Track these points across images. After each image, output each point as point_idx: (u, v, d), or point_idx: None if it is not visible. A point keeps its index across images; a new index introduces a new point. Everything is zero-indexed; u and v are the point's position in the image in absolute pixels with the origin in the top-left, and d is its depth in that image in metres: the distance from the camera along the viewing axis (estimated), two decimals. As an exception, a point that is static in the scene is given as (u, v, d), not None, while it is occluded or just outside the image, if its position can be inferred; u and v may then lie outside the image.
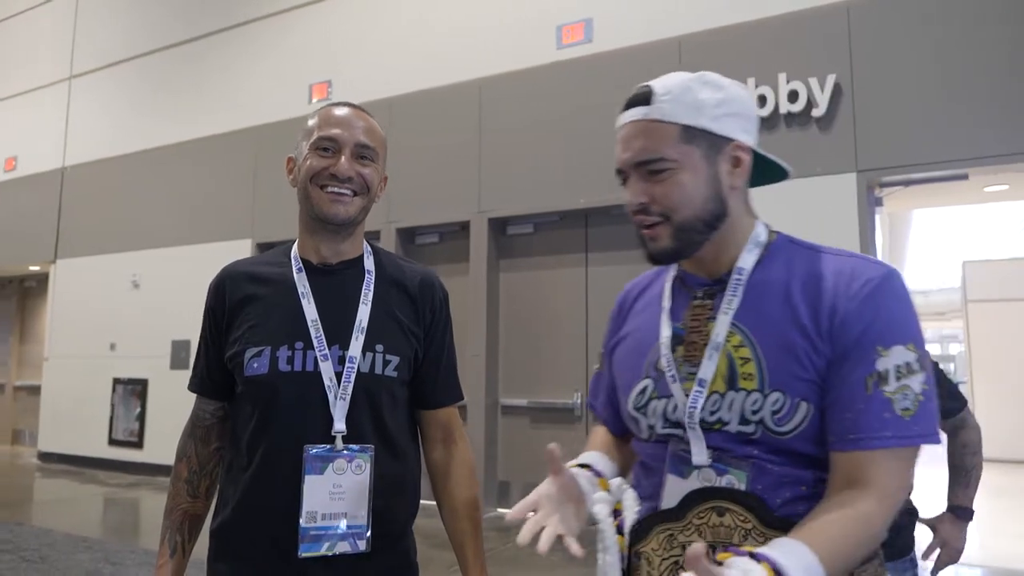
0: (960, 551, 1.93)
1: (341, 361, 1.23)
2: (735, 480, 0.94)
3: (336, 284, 1.29)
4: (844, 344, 0.92)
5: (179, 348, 7.26)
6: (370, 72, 6.60)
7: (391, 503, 1.24)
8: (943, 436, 1.99)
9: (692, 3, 5.23)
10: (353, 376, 1.22)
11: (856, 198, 4.56)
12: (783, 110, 4.78)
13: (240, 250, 7.10)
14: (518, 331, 5.85)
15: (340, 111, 1.30)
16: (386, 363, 1.26)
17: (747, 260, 1.02)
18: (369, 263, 1.33)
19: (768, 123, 4.85)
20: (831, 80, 4.64)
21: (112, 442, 7.93)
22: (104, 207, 8.38)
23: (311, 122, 1.31)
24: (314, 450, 1.18)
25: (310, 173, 1.26)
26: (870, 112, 4.57)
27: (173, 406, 7.32)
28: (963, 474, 1.95)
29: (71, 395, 8.35)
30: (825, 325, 0.94)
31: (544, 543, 0.92)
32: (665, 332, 1.05)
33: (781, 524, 0.90)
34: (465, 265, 5.91)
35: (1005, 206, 7.90)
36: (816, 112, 4.67)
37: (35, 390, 9.30)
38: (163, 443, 7.34)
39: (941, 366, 1.94)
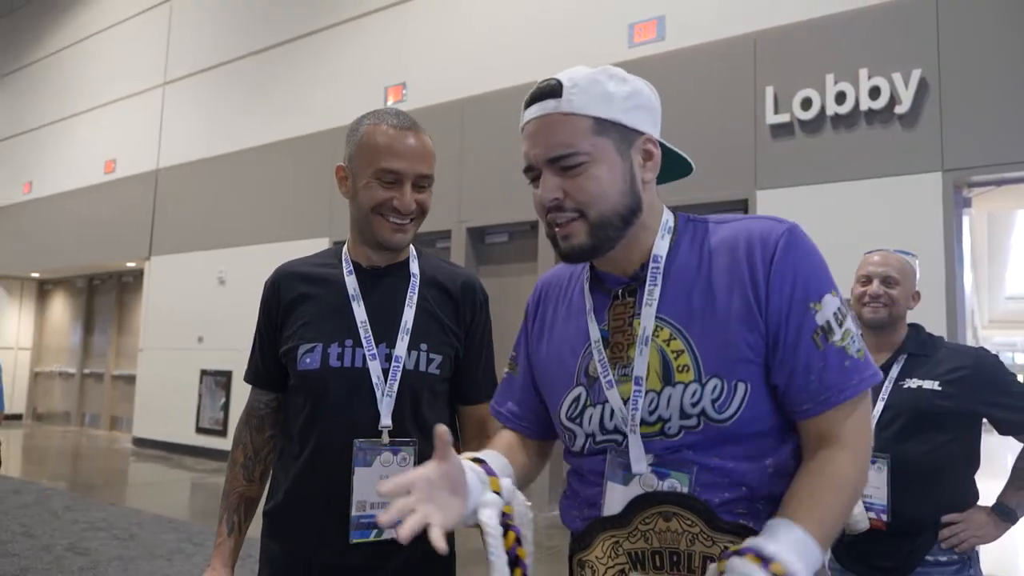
0: (986, 542, 1.83)
1: (388, 359, 1.29)
2: (677, 483, 0.91)
3: (383, 287, 1.35)
4: (778, 311, 0.92)
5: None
6: (443, 74, 6.72)
7: None
8: (1016, 442, 1.90)
9: (767, -2, 5.10)
10: (399, 374, 1.28)
11: (941, 198, 4.35)
12: (863, 107, 4.60)
13: (319, 248, 7.34)
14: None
15: (406, 141, 1.29)
16: (429, 361, 1.31)
17: (661, 247, 0.99)
18: (414, 267, 1.39)
19: (848, 121, 4.68)
20: (916, 75, 4.44)
21: (199, 430, 8.37)
22: (194, 207, 8.86)
23: (369, 139, 1.30)
24: (363, 444, 1.25)
25: (373, 202, 1.29)
26: (957, 108, 4.35)
27: (254, 397, 7.68)
28: (1022, 477, 1.88)
29: (162, 385, 8.86)
30: (752, 299, 0.92)
31: (406, 530, 0.83)
32: (595, 335, 1.00)
33: (729, 527, 0.88)
34: (533, 264, 5.95)
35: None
36: (900, 109, 4.47)
37: (131, 379, 9.92)
38: (245, 432, 7.69)
39: None
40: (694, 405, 0.91)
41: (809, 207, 4.67)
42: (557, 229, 0.98)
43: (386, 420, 1.26)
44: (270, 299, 1.39)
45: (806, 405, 0.91)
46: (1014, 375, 1.87)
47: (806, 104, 4.79)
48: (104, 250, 10.11)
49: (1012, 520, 1.86)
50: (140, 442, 9.09)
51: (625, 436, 0.95)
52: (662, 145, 1.02)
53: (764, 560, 0.79)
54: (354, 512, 1.22)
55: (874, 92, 4.57)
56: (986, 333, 21.87)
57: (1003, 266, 14.93)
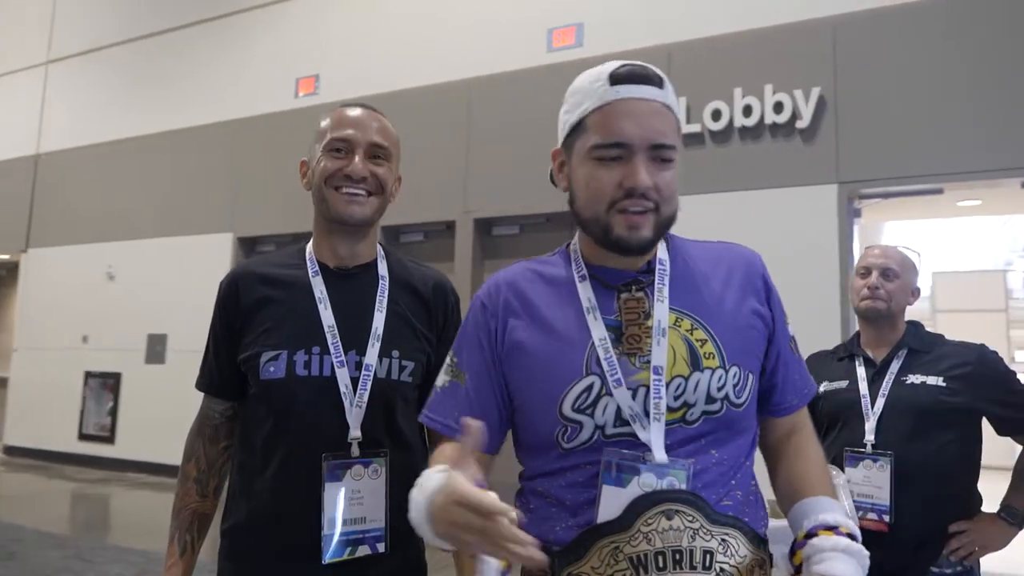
0: (995, 550, 1.79)
1: (358, 367, 1.23)
2: (676, 480, 0.93)
3: (351, 289, 1.29)
4: (774, 319, 1.07)
5: (155, 342, 7.16)
6: (358, 68, 6.56)
7: (406, 502, 1.24)
8: (1015, 445, 1.88)
9: (683, 12, 5.29)
10: (369, 383, 1.23)
11: (836, 209, 4.66)
12: (768, 120, 4.86)
13: (220, 244, 7.03)
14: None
15: (352, 112, 1.30)
16: (402, 368, 1.27)
17: (663, 251, 1.05)
18: (383, 268, 1.34)
19: (753, 133, 4.93)
20: (815, 93, 4.73)
21: (83, 436, 7.78)
22: (80, 196, 8.23)
23: (323, 124, 1.31)
24: (332, 459, 1.19)
25: (324, 175, 1.26)
26: (851, 125, 4.67)
27: (147, 401, 7.25)
28: None
29: (40, 388, 8.18)
30: (763, 306, 1.06)
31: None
32: (599, 333, 0.98)
33: (725, 520, 0.92)
34: (450, 265, 5.90)
35: (975, 220, 8.10)
36: (800, 124, 4.76)
37: (2, 382, 9.11)
38: (136, 438, 7.24)
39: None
40: (720, 389, 0.97)
41: (717, 213, 4.87)
42: (627, 217, 0.96)
43: (355, 432, 1.20)
44: (227, 301, 1.29)
45: (795, 400, 1.09)
46: (1015, 373, 1.84)
47: (716, 115, 5.01)
48: (-27, 241, 9.25)
49: (1021, 524, 1.80)
50: (12, 451, 8.35)
51: (649, 423, 0.95)
52: None
53: (833, 529, 0.92)
54: (326, 530, 1.16)
55: (778, 107, 4.83)
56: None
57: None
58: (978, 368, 1.79)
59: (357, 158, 1.25)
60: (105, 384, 7.69)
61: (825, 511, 0.95)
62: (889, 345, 1.91)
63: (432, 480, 0.86)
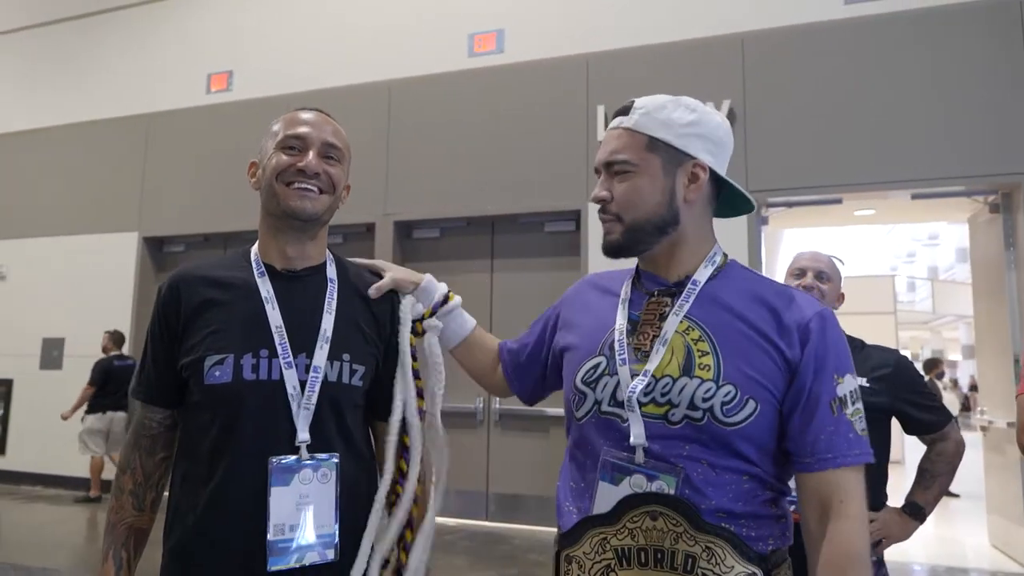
0: (899, 540, 1.91)
1: (307, 370, 1.21)
2: (665, 486, 1.00)
3: (300, 291, 1.28)
4: (809, 367, 1.03)
5: (51, 346, 6.74)
6: (275, 66, 6.40)
7: (357, 509, 1.24)
8: (921, 444, 2.02)
9: (599, 24, 5.44)
10: (318, 386, 1.21)
11: (745, 217, 4.89)
12: (682, 131, 5.05)
13: (125, 243, 6.70)
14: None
15: (307, 114, 1.31)
16: (352, 372, 1.26)
17: (702, 274, 1.12)
18: (331, 271, 1.33)
19: (668, 142, 5.11)
20: (726, 105, 4.97)
21: (-32, 448, 7.24)
22: (-33, 191, 7.66)
23: (275, 126, 1.30)
24: (278, 461, 1.17)
25: (277, 170, 1.24)
26: (759, 137, 4.93)
27: (41, 408, 6.82)
28: (928, 477, 1.96)
29: (-82, 396, 7.55)
30: (797, 345, 1.04)
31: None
32: (620, 321, 1.13)
33: (711, 529, 0.97)
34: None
35: (867, 228, 8.66)
36: (712, 134, 4.97)
37: None
38: (29, 448, 6.79)
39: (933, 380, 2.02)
40: (705, 400, 1.01)
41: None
42: (603, 225, 1.15)
43: (303, 435, 1.18)
44: (167, 305, 1.25)
45: (807, 459, 1.02)
46: (924, 378, 1.98)
47: (633, 124, 5.17)
48: None
49: (922, 519, 1.92)
50: None
51: (630, 409, 1.05)
52: (728, 182, 1.16)
53: None
54: (271, 536, 1.14)
55: (692, 118, 5.03)
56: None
57: (773, 276, 17.20)
58: (896, 371, 1.91)
59: (311, 154, 1.25)
60: (-6, 392, 7.18)
61: None
62: None
63: None
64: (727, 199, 1.19)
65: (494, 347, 1.45)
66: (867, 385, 1.87)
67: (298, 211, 1.24)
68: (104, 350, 6.41)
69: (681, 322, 1.08)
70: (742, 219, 4.86)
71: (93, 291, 6.68)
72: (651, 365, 1.05)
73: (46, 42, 7.58)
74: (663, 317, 1.10)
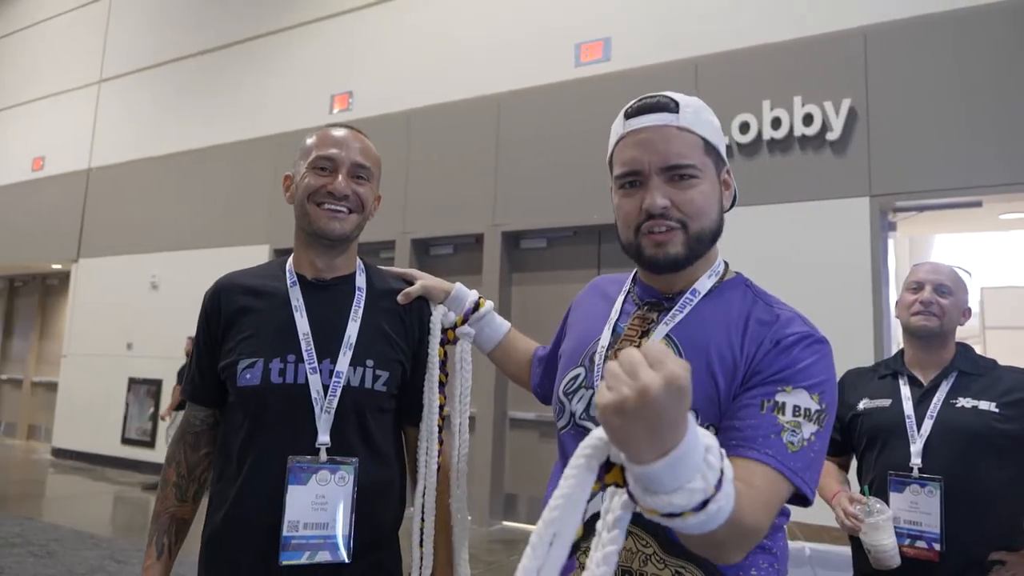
0: None
1: (331, 375, 1.26)
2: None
3: (328, 299, 1.33)
4: (755, 377, 0.94)
5: (193, 350, 7.35)
6: (390, 84, 6.69)
7: (376, 512, 1.27)
8: None
9: (709, 25, 5.26)
10: (339, 390, 1.25)
11: (869, 222, 4.55)
12: (798, 133, 4.78)
13: (258, 255, 7.20)
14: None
15: (337, 132, 1.35)
16: (376, 377, 1.29)
17: (704, 284, 1.05)
18: (361, 280, 1.38)
19: (782, 145, 4.85)
20: (846, 104, 4.64)
21: (125, 441, 8.04)
22: (127, 209, 8.55)
23: (308, 142, 1.36)
24: (297, 461, 1.22)
25: (308, 191, 1.31)
26: (884, 137, 4.56)
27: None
28: None
29: (87, 393, 8.49)
30: (746, 358, 0.95)
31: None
32: (607, 331, 1.08)
33: (681, 552, 0.90)
34: (478, 278, 5.95)
35: (1022, 234, 7.81)
36: (831, 136, 4.67)
37: (52, 387, 9.46)
38: (174, 443, 7.43)
39: None
40: None
41: (745, 227, 4.80)
42: (652, 236, 1.01)
43: (324, 437, 1.23)
44: (210, 311, 1.35)
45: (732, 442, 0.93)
46: None
47: (744, 128, 4.95)
48: (28, 250, 9.65)
49: None
50: (60, 452, 8.68)
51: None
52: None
53: None
54: (285, 532, 1.18)
55: (807, 119, 4.75)
56: (894, 348, 22.81)
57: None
58: None
59: (340, 176, 1.30)
60: (147, 390, 7.93)
61: None
62: (937, 366, 1.83)
63: None
64: None
65: (530, 350, 1.45)
66: (996, 411, 1.69)
67: (328, 231, 1.30)
68: (187, 354, 7.02)
69: (663, 339, 1.01)
70: (864, 225, 4.53)
71: (230, 299, 7.23)
72: None
73: (188, 73, 8.35)
74: (646, 334, 1.04)
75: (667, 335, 1.02)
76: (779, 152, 4.89)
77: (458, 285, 1.44)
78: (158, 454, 7.67)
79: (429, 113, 6.37)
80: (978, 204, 4.59)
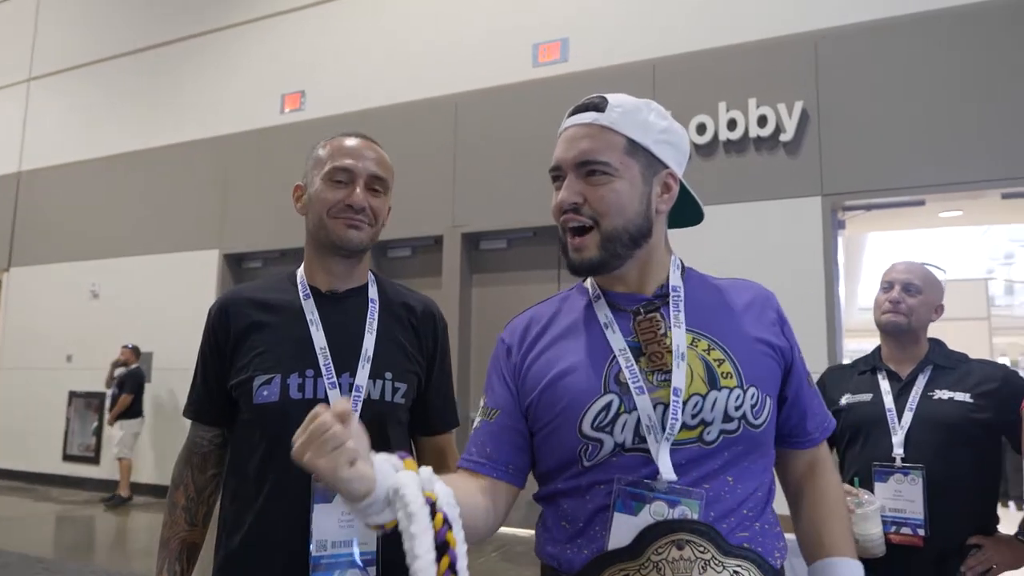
0: (1010, 568, 1.79)
1: (351, 389, 1.23)
2: (688, 511, 0.92)
3: (342, 312, 1.30)
4: (794, 350, 1.08)
5: (140, 361, 7.07)
6: (344, 84, 6.57)
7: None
8: None
9: (666, 27, 5.35)
10: (360, 404, 1.22)
11: (821, 221, 4.70)
12: (752, 134, 4.91)
13: (207, 260, 6.99)
14: (490, 346, 5.85)
15: (352, 141, 1.32)
16: (395, 390, 1.27)
17: (677, 279, 1.06)
18: (373, 292, 1.35)
19: (737, 146, 4.97)
20: (799, 106, 4.79)
21: (67, 457, 7.70)
22: (64, 214, 8.17)
23: (322, 152, 1.32)
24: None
25: (326, 205, 1.27)
26: (834, 138, 4.72)
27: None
28: None
29: (23, 408, 8.08)
30: (781, 335, 1.07)
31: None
32: (618, 344, 1.00)
33: (738, 552, 0.91)
34: (438, 279, 5.91)
35: (957, 230, 8.19)
36: (784, 137, 4.81)
37: (-16, 402, 8.98)
38: (122, 457, 7.15)
39: None
40: (737, 408, 0.97)
41: (702, 226, 4.88)
42: (570, 239, 1.02)
43: None
44: (217, 327, 1.29)
45: (816, 433, 1.10)
46: None
47: (701, 129, 5.06)
48: (-47, 260, 9.15)
49: None
50: (-5, 472, 8.25)
51: (659, 442, 0.94)
52: (682, 189, 1.08)
53: None
54: (314, 552, 1.15)
55: (762, 120, 4.88)
56: (844, 341, 23.87)
57: (856, 282, 16.51)
58: (1004, 386, 1.80)
59: (358, 189, 1.27)
60: (89, 404, 7.61)
61: None
62: (913, 360, 1.92)
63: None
64: (676, 210, 1.10)
65: (472, 487, 1.03)
66: (971, 402, 1.79)
67: (346, 243, 1.28)
68: (127, 362, 6.95)
69: (686, 334, 1.00)
70: (816, 224, 4.68)
71: (178, 307, 6.98)
72: (678, 383, 0.95)
73: (128, 71, 8.02)
74: (666, 330, 1.00)
75: (693, 331, 1.00)
76: (735, 153, 5.00)
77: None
78: (104, 470, 7.37)
79: (385, 113, 6.29)
80: (921, 203, 4.80)
